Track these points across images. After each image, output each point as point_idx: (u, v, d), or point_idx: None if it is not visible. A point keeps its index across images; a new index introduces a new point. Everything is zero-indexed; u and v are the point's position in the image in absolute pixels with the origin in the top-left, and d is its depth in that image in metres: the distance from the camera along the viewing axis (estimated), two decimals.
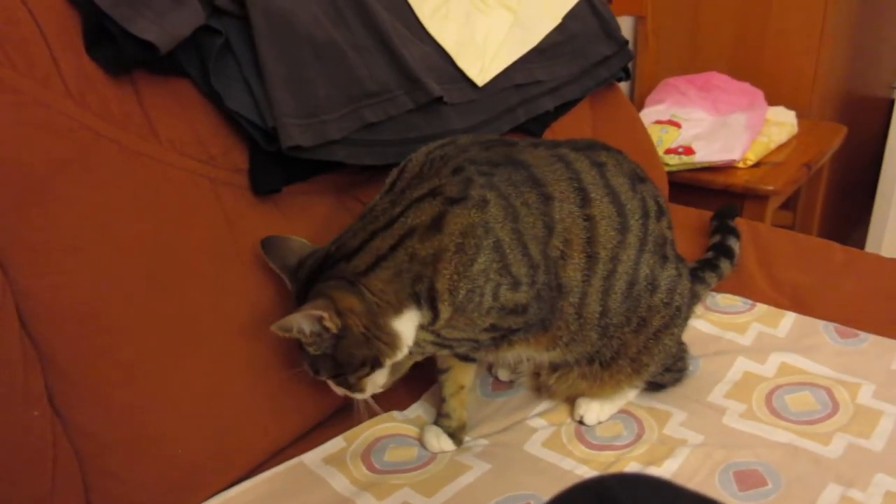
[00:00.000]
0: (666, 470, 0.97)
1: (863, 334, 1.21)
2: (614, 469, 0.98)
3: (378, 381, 0.93)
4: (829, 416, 1.05)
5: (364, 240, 0.88)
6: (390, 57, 1.11)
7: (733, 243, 1.42)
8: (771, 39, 2.06)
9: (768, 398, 1.09)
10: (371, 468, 1.00)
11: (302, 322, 0.85)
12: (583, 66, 1.40)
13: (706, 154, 1.75)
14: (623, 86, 1.63)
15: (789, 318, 1.27)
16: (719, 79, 1.99)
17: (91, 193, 0.86)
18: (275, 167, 1.01)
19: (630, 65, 1.59)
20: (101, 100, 0.88)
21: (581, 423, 1.07)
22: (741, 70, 2.04)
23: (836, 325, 1.24)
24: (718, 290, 1.36)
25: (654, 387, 1.10)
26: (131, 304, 0.89)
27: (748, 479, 0.94)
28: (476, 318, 0.89)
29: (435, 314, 0.88)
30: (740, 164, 1.76)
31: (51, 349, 0.84)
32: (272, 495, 0.96)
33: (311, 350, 0.88)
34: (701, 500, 0.54)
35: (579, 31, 1.41)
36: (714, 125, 1.86)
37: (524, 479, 0.97)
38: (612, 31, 1.45)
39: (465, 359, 1.03)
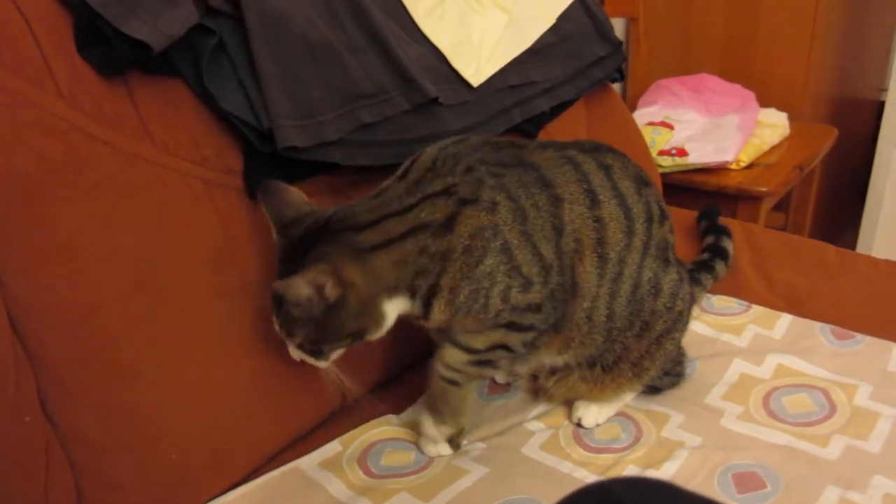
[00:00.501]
0: (665, 472, 0.96)
1: (858, 336, 1.21)
2: (613, 472, 0.97)
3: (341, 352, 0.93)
4: (827, 417, 1.05)
5: (377, 218, 0.87)
6: (385, 58, 1.10)
7: (727, 244, 1.42)
8: (762, 41, 2.06)
9: (765, 400, 1.09)
10: (368, 472, 0.99)
11: (301, 286, 0.82)
12: (577, 66, 1.40)
13: (699, 155, 1.75)
14: (615, 87, 1.63)
15: (785, 320, 1.27)
16: (711, 80, 2.00)
17: (84, 196, 0.85)
18: (270, 169, 1.00)
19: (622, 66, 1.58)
20: (94, 101, 0.86)
21: (579, 425, 1.06)
22: (732, 72, 2.05)
23: (831, 326, 1.24)
24: (713, 291, 1.36)
25: (652, 390, 1.10)
26: (126, 307, 0.88)
27: (747, 482, 0.94)
28: (484, 319, 0.89)
29: (427, 310, 0.89)
30: (733, 166, 1.77)
31: (44, 353, 0.82)
32: (268, 500, 0.94)
33: (294, 312, 0.86)
34: (705, 502, 0.54)
35: (573, 32, 1.40)
36: (706, 127, 1.86)
37: (523, 482, 0.96)
38: (606, 32, 1.45)
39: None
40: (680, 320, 1.04)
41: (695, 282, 1.30)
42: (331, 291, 0.83)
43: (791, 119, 1.95)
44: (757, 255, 1.47)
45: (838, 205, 2.45)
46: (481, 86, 1.24)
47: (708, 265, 1.36)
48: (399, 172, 0.94)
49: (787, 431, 1.03)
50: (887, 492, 0.91)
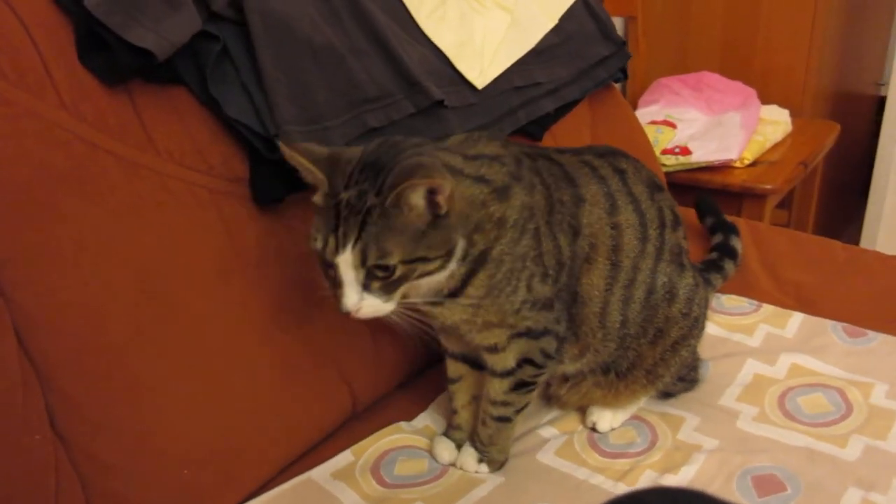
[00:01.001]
0: (683, 477, 0.95)
1: (871, 333, 1.20)
2: (630, 478, 0.96)
3: (422, 289, 0.84)
4: (844, 417, 1.04)
5: (451, 152, 0.85)
6: (389, 60, 1.09)
7: (735, 242, 1.41)
8: (761, 38, 2.06)
9: (781, 400, 1.08)
10: (381, 482, 0.97)
11: (415, 189, 0.75)
12: (581, 67, 1.38)
13: (703, 154, 1.74)
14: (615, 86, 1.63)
15: (796, 319, 1.26)
16: (711, 78, 1.99)
17: (89, 208, 0.83)
18: (276, 176, 0.98)
19: None
20: (97, 110, 0.85)
21: (593, 430, 1.05)
22: (732, 69, 2.04)
23: (844, 324, 1.23)
24: (723, 291, 1.35)
25: (665, 395, 1.09)
26: (132, 319, 0.86)
27: (767, 485, 0.93)
28: (508, 310, 0.87)
29: (466, 281, 0.84)
30: (737, 164, 1.76)
31: (50, 369, 0.80)
32: None
33: (398, 219, 0.76)
34: None
35: (576, 32, 1.39)
36: (709, 125, 1.85)
37: (539, 490, 0.95)
38: (608, 32, 1.44)
39: (480, 367, 1.01)
40: (696, 326, 1.03)
41: (704, 282, 1.29)
42: (443, 199, 0.77)
43: (792, 115, 1.94)
44: (764, 254, 1.46)
45: (839, 200, 2.44)
46: (486, 88, 1.22)
47: (717, 264, 1.35)
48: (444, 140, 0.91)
49: (805, 432, 1.01)
50: None
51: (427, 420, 1.10)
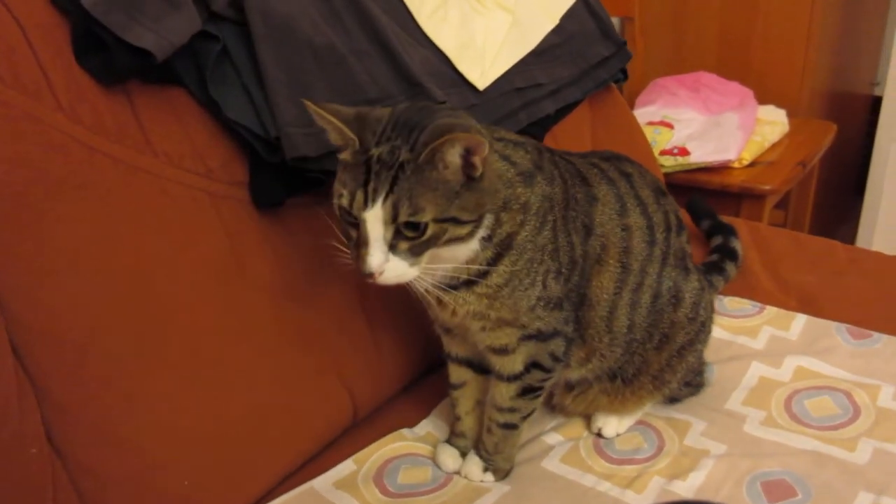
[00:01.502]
0: (691, 483, 0.94)
1: (876, 335, 1.19)
2: (638, 484, 0.95)
3: (446, 261, 0.81)
4: (852, 420, 1.03)
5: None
6: (391, 61, 1.07)
7: (735, 244, 1.40)
8: (758, 38, 2.05)
9: (787, 404, 1.07)
10: (385, 492, 0.96)
11: (453, 145, 0.72)
12: (582, 67, 1.37)
13: (702, 154, 1.74)
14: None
15: (800, 321, 1.25)
16: (708, 78, 1.98)
17: (86, 213, 0.81)
18: (276, 179, 0.96)
19: None
20: (94, 112, 0.82)
21: (599, 435, 1.04)
22: (729, 69, 2.04)
23: (847, 325, 1.22)
24: (725, 293, 1.34)
25: (670, 400, 1.08)
26: (131, 329, 0.84)
27: (777, 490, 0.92)
28: (523, 305, 0.85)
29: (495, 262, 0.82)
30: (736, 164, 1.75)
31: (47, 381, 0.78)
32: None
33: (433, 175, 0.74)
34: None
35: (577, 32, 1.38)
36: (706, 125, 1.84)
37: (545, 498, 0.93)
38: (609, 32, 1.43)
39: (484, 372, 0.99)
40: (703, 331, 1.02)
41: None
42: (479, 160, 0.75)
43: (789, 115, 1.94)
44: (765, 255, 1.46)
45: (834, 200, 2.45)
46: (487, 89, 1.21)
47: (718, 266, 1.34)
48: None
49: (813, 436, 1.00)
50: None
51: (429, 427, 1.08)
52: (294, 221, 1.01)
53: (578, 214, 0.90)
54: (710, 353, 1.16)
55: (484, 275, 0.83)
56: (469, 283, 0.84)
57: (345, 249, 0.81)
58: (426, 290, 0.82)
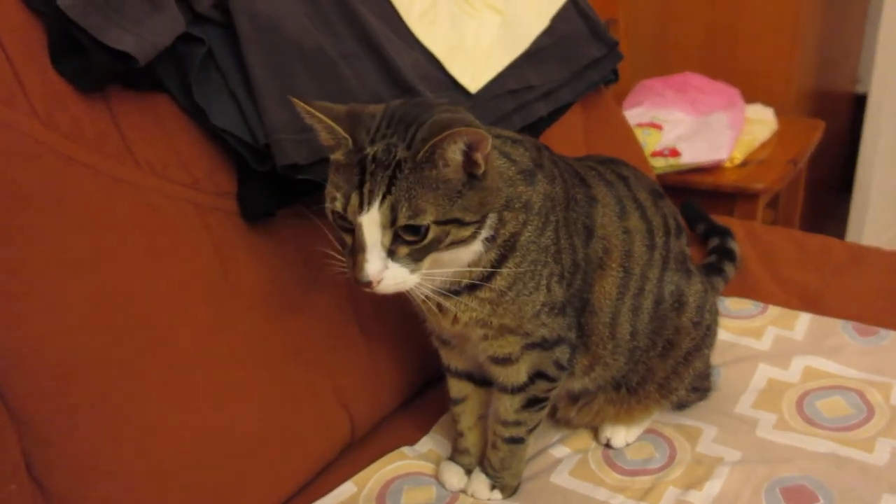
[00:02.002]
0: (708, 493, 0.90)
1: (882, 331, 1.17)
2: (653, 496, 0.91)
3: (447, 266, 0.77)
4: (867, 420, 1.00)
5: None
6: (381, 64, 1.04)
7: (732, 244, 1.38)
8: (743, 37, 2.04)
9: (799, 405, 1.04)
10: None
11: (454, 141, 0.68)
12: (573, 69, 1.34)
13: (693, 155, 1.71)
14: None
15: (804, 319, 1.23)
16: (695, 78, 1.96)
17: (64, 228, 0.76)
18: (266, 189, 0.92)
19: None
20: (72, 119, 0.78)
21: (608, 445, 1.00)
22: (714, 69, 2.02)
23: (853, 322, 1.20)
24: (726, 293, 1.32)
25: (678, 406, 1.04)
26: (114, 353, 0.79)
27: (797, 496, 0.89)
28: (528, 310, 0.82)
29: (496, 265, 0.79)
30: (727, 164, 1.73)
31: (26, 412, 0.73)
32: None
33: (432, 174, 0.70)
34: None
35: (567, 34, 1.35)
36: (695, 125, 1.82)
37: None
38: (600, 33, 1.40)
39: (485, 384, 0.95)
40: (708, 335, 1.00)
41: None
42: (481, 156, 0.71)
43: (776, 113, 1.93)
44: (763, 254, 1.43)
45: (821, 197, 2.44)
46: (479, 92, 1.18)
47: (717, 268, 1.32)
48: None
49: (829, 438, 0.98)
50: None
51: (431, 444, 1.03)
52: (285, 233, 0.97)
53: (579, 216, 0.87)
54: (714, 356, 1.12)
55: (487, 278, 0.79)
56: (472, 288, 0.80)
57: (339, 257, 0.76)
58: (426, 297, 0.77)
